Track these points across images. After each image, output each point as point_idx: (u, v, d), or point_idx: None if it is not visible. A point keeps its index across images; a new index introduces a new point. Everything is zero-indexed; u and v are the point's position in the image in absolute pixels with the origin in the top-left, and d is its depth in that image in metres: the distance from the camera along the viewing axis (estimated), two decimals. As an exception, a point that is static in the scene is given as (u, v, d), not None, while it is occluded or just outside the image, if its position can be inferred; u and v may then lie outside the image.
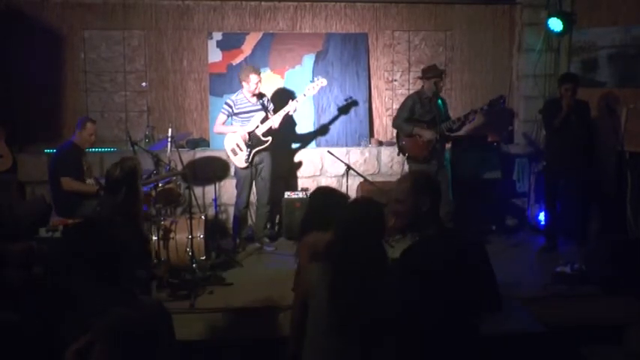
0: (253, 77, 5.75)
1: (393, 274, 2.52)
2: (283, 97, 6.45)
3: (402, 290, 2.44)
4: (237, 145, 5.84)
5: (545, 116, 5.94)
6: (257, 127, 5.81)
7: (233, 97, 5.96)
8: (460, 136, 6.47)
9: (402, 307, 2.42)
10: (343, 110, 6.93)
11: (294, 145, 6.86)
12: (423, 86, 5.85)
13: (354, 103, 6.92)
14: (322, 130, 6.94)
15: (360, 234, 2.50)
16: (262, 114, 5.84)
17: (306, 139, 6.92)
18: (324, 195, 3.29)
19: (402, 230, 2.69)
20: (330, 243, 2.57)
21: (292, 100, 5.98)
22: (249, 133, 5.81)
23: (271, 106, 5.98)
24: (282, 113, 5.83)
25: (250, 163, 5.85)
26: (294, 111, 5.91)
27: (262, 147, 5.84)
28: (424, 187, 2.59)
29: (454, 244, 2.60)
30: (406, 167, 6.48)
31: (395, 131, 6.07)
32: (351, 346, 2.45)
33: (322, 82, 5.98)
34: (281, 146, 6.45)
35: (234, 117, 5.90)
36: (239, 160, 5.86)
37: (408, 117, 5.77)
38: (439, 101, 5.79)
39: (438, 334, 2.45)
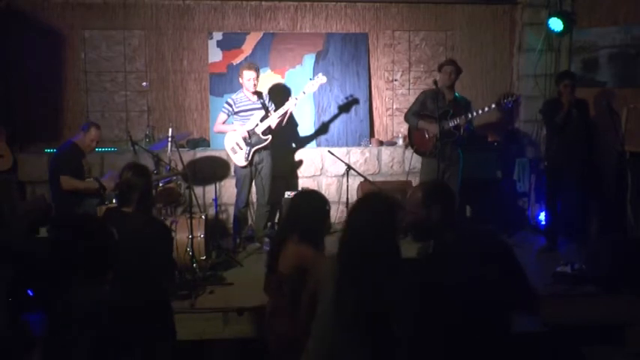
0: (246, 73, 5.74)
1: (405, 274, 2.52)
2: (283, 94, 6.45)
3: (421, 298, 2.45)
4: (237, 144, 5.84)
5: (546, 115, 5.94)
6: (257, 125, 5.81)
7: (234, 96, 5.96)
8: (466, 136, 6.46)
9: (421, 313, 2.43)
10: (344, 109, 6.93)
11: (295, 145, 6.87)
12: (435, 83, 5.79)
13: (355, 101, 6.93)
14: (322, 130, 6.94)
15: (369, 229, 2.51)
16: (262, 112, 5.84)
17: (306, 139, 6.92)
18: (305, 198, 3.31)
19: (418, 239, 2.75)
20: (341, 238, 2.58)
21: (291, 97, 5.98)
22: (249, 132, 5.81)
23: (272, 106, 5.98)
24: (280, 112, 5.83)
25: (250, 162, 5.85)
26: (295, 106, 5.89)
27: (262, 145, 5.84)
28: (434, 198, 2.64)
29: (473, 248, 2.60)
30: (407, 167, 6.51)
31: (396, 131, 6.07)
32: (358, 342, 2.45)
33: (322, 79, 5.96)
34: (281, 146, 6.45)
35: (234, 116, 5.91)
36: (238, 159, 5.86)
37: (418, 111, 5.76)
38: (457, 95, 5.73)
39: (461, 337, 2.45)
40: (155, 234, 3.31)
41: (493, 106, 5.63)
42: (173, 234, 5.04)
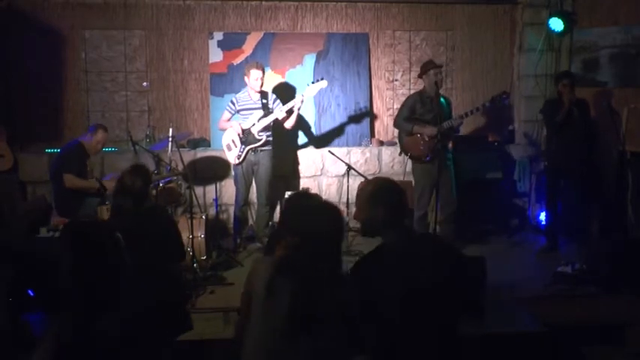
0: (254, 72, 5.77)
1: (345, 283, 2.50)
2: (289, 93, 6.46)
3: (357, 300, 2.44)
4: (232, 141, 5.87)
5: (546, 115, 5.95)
6: (253, 124, 5.82)
7: (238, 94, 6.01)
8: (460, 136, 6.47)
9: (359, 315, 2.42)
10: (344, 109, 6.94)
11: (295, 145, 6.87)
12: (424, 86, 5.82)
13: (360, 107, 6.93)
14: (323, 130, 6.94)
15: (318, 241, 2.47)
16: (260, 112, 5.85)
17: (306, 139, 6.93)
18: (299, 201, 3.24)
19: (365, 235, 2.74)
20: (289, 246, 2.55)
21: (297, 95, 5.99)
22: (244, 130, 5.82)
23: (278, 104, 5.95)
24: (287, 107, 5.84)
25: (243, 160, 5.85)
26: (302, 103, 5.86)
27: (256, 145, 5.84)
28: (380, 198, 2.62)
29: (415, 250, 2.58)
30: (408, 167, 6.49)
31: (397, 131, 6.06)
32: (290, 348, 2.42)
33: (322, 83, 5.94)
34: (282, 146, 6.46)
35: (237, 114, 5.93)
36: (231, 156, 5.88)
37: (409, 116, 5.75)
38: (442, 100, 5.74)
39: (404, 341, 2.44)
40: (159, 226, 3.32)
41: (487, 104, 5.66)
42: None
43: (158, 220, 3.37)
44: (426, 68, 5.70)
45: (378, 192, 2.66)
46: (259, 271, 2.55)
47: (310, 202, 2.83)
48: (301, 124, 6.85)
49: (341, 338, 2.44)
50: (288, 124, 5.96)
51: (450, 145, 6.12)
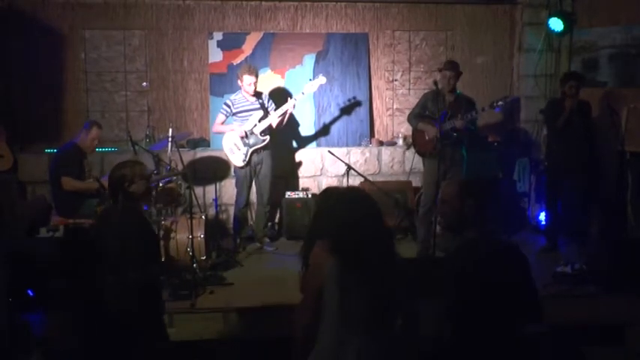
0: (247, 78, 5.76)
1: (404, 271, 2.52)
2: (282, 96, 6.45)
3: (443, 293, 2.46)
4: (235, 144, 5.85)
5: (548, 116, 5.94)
6: (255, 125, 5.81)
7: (232, 96, 5.98)
8: (468, 135, 6.44)
9: (444, 309, 2.44)
10: (344, 109, 6.94)
11: (295, 145, 6.87)
12: (435, 84, 5.79)
13: (355, 101, 6.93)
14: (323, 130, 6.95)
15: (359, 225, 2.49)
16: (260, 113, 5.85)
17: (306, 139, 6.92)
18: (336, 196, 3.21)
19: (446, 229, 2.77)
20: (334, 239, 2.56)
21: (290, 98, 5.99)
22: (247, 132, 5.81)
23: (272, 105, 5.98)
24: (280, 112, 5.84)
25: (248, 162, 5.85)
26: (293, 107, 5.90)
27: (260, 146, 5.84)
28: (470, 192, 2.64)
29: (493, 250, 2.61)
30: (407, 167, 6.51)
31: (397, 131, 6.08)
32: (364, 342, 2.44)
33: (321, 80, 5.98)
34: (281, 146, 6.46)
35: (233, 117, 5.91)
36: (236, 159, 5.86)
37: (419, 113, 5.77)
38: (458, 93, 5.70)
39: (475, 338, 2.46)
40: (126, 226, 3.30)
41: (486, 108, 5.64)
42: (173, 234, 5.06)
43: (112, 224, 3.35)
44: (444, 67, 5.69)
45: (467, 185, 2.69)
46: (325, 270, 2.52)
47: (339, 195, 2.78)
48: (300, 124, 6.85)
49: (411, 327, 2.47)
50: (281, 124, 5.96)
51: (464, 143, 5.97)
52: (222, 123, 5.94)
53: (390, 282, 2.47)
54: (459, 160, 5.73)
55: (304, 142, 6.91)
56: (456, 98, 5.70)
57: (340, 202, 2.64)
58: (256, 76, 5.82)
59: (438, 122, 5.48)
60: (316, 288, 2.54)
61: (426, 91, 6.15)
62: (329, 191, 2.83)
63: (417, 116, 5.77)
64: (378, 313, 2.45)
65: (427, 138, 5.66)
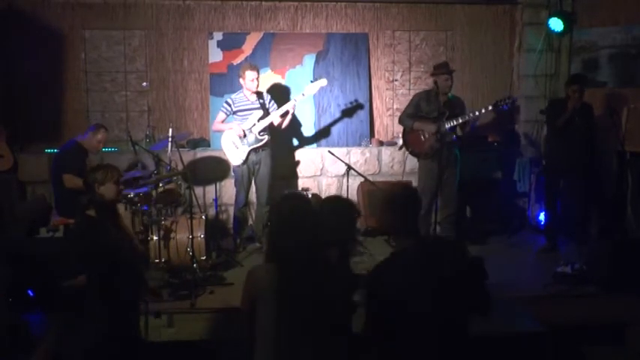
0: (249, 74, 5.76)
1: (343, 275, 2.54)
2: (284, 94, 6.46)
3: (371, 304, 2.46)
4: (233, 143, 5.86)
5: (549, 116, 5.93)
6: (254, 125, 5.82)
7: (233, 95, 5.98)
8: (460, 136, 6.45)
9: (374, 320, 2.44)
10: (346, 111, 6.94)
11: (295, 145, 6.87)
12: (434, 84, 5.80)
13: (355, 101, 6.93)
14: (323, 130, 6.95)
15: (290, 231, 2.52)
16: (260, 112, 5.85)
17: (306, 139, 6.92)
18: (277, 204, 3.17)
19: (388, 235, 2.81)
20: (267, 244, 2.59)
21: (291, 99, 6.00)
22: (245, 131, 5.82)
23: (274, 105, 5.97)
24: (281, 111, 5.84)
25: (245, 161, 5.85)
26: (293, 108, 5.90)
27: (258, 145, 5.84)
28: (388, 206, 2.66)
29: (429, 255, 2.60)
30: (407, 167, 6.50)
31: (397, 131, 6.08)
32: (302, 352, 2.44)
33: (322, 82, 5.98)
34: (281, 146, 6.45)
35: (233, 115, 5.92)
36: (234, 158, 5.87)
37: (413, 113, 5.77)
38: (450, 97, 5.72)
39: (419, 342, 2.46)
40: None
41: (490, 108, 5.63)
42: (173, 234, 5.07)
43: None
44: (439, 71, 5.70)
45: (388, 198, 2.70)
46: (262, 278, 2.55)
47: (280, 202, 2.82)
48: (301, 124, 6.85)
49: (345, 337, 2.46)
50: (283, 125, 5.96)
51: (459, 144, 6.01)
52: (223, 121, 5.95)
53: (328, 292, 2.47)
54: (453, 161, 5.74)
55: (304, 142, 6.91)
56: (449, 99, 5.72)
57: (277, 210, 2.68)
58: (257, 72, 5.83)
59: (438, 121, 5.49)
60: (249, 299, 2.57)
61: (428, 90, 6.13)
62: (282, 198, 2.86)
63: (410, 116, 5.77)
64: (314, 323, 2.45)
65: (424, 138, 5.66)
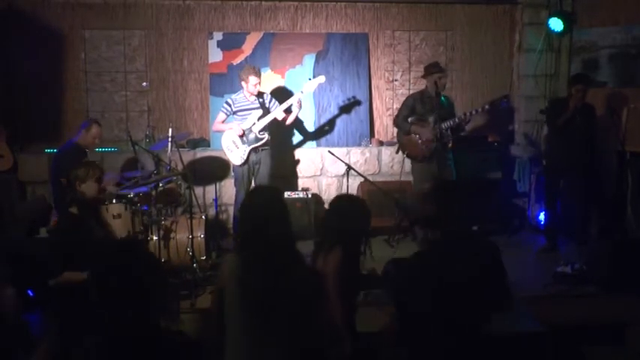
0: (252, 79, 5.76)
1: (304, 267, 2.57)
2: (283, 95, 6.45)
3: (411, 296, 2.45)
4: (234, 142, 5.86)
5: (550, 115, 5.93)
6: (253, 124, 5.82)
7: (233, 96, 5.98)
8: (460, 136, 6.47)
9: (410, 312, 2.43)
10: (344, 109, 6.94)
11: (295, 145, 6.87)
12: (426, 86, 5.84)
13: (355, 101, 6.93)
14: (323, 130, 6.95)
15: (259, 222, 2.54)
16: (259, 112, 5.85)
17: (306, 139, 6.92)
18: (345, 205, 3.12)
19: (410, 228, 2.80)
20: (237, 234, 2.62)
21: (295, 93, 6.00)
22: (245, 130, 5.82)
23: (275, 104, 5.96)
24: (284, 106, 5.84)
25: (246, 161, 5.85)
26: (300, 102, 5.87)
27: (258, 144, 5.84)
28: (432, 196, 2.64)
29: (463, 248, 2.59)
30: (407, 167, 6.49)
31: (397, 131, 6.08)
32: (267, 343, 2.44)
33: (320, 79, 5.99)
34: (281, 146, 6.46)
35: (233, 115, 5.92)
36: (235, 158, 5.87)
37: (408, 115, 5.77)
38: (442, 99, 5.74)
39: (443, 335, 2.46)
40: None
41: (487, 107, 5.64)
42: (173, 234, 5.06)
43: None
44: (430, 71, 5.70)
45: (432, 189, 2.71)
46: (227, 267, 2.59)
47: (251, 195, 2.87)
48: (301, 124, 6.85)
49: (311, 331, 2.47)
50: (289, 120, 5.97)
51: (450, 144, 6.09)
52: (223, 122, 5.95)
53: (295, 286, 2.48)
54: (448, 162, 5.76)
55: (304, 141, 6.91)
56: (443, 99, 5.75)
57: (249, 202, 2.71)
58: (260, 77, 5.85)
59: (435, 124, 5.51)
60: (218, 289, 2.59)
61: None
62: (252, 190, 2.89)
63: (406, 119, 5.78)
64: (276, 312, 2.45)
65: (420, 141, 5.66)
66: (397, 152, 6.11)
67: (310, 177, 6.83)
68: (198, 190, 6.35)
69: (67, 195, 3.52)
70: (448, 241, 2.62)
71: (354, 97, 6.94)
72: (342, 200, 3.19)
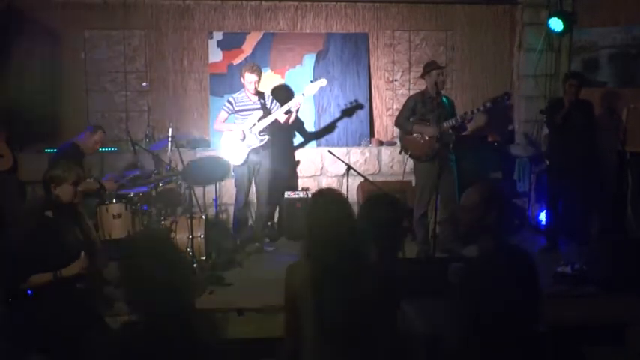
0: (249, 76, 5.75)
1: (377, 274, 2.51)
2: (286, 94, 6.46)
3: (460, 305, 2.44)
4: (233, 143, 5.86)
5: (549, 114, 5.94)
6: (253, 125, 5.82)
7: (235, 95, 5.98)
8: (460, 136, 6.46)
9: (460, 321, 2.42)
10: (346, 111, 6.94)
11: (295, 145, 6.87)
12: (426, 86, 5.83)
13: (359, 106, 6.93)
14: (323, 130, 6.95)
15: (327, 228, 2.48)
16: (260, 112, 5.84)
17: (306, 139, 6.92)
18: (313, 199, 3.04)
19: (461, 238, 2.75)
20: (304, 242, 2.55)
21: (297, 94, 5.99)
22: (245, 131, 5.82)
23: (276, 105, 5.96)
24: (285, 108, 5.84)
25: (246, 161, 5.85)
26: (299, 105, 5.88)
27: (257, 145, 5.84)
28: (494, 201, 2.62)
29: (508, 259, 2.60)
30: (408, 167, 6.49)
31: (397, 131, 6.08)
32: (341, 352, 2.41)
33: (322, 82, 5.98)
34: (281, 146, 6.45)
35: (235, 114, 5.92)
36: (234, 158, 5.87)
37: (409, 116, 5.76)
38: (444, 99, 5.74)
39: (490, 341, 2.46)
40: None
41: (489, 104, 5.63)
42: (173, 234, 5.06)
43: None
44: (428, 69, 5.69)
45: (488, 194, 2.66)
46: (298, 274, 2.52)
47: (315, 198, 2.77)
48: (301, 124, 6.85)
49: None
50: (290, 121, 5.97)
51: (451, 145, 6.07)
52: (224, 121, 5.95)
53: (365, 288, 2.44)
54: (450, 163, 5.75)
55: (304, 141, 6.91)
56: (444, 99, 5.74)
57: (314, 205, 2.65)
58: (258, 75, 5.80)
59: (438, 123, 5.51)
60: (290, 299, 2.53)
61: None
62: (316, 194, 2.81)
63: (408, 119, 5.77)
64: (355, 320, 2.42)
65: (423, 140, 5.65)
66: (400, 153, 6.10)
67: (310, 177, 6.83)
68: (198, 190, 6.33)
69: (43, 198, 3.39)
70: (501, 251, 2.61)
71: (355, 101, 6.93)
72: (369, 199, 3.11)
